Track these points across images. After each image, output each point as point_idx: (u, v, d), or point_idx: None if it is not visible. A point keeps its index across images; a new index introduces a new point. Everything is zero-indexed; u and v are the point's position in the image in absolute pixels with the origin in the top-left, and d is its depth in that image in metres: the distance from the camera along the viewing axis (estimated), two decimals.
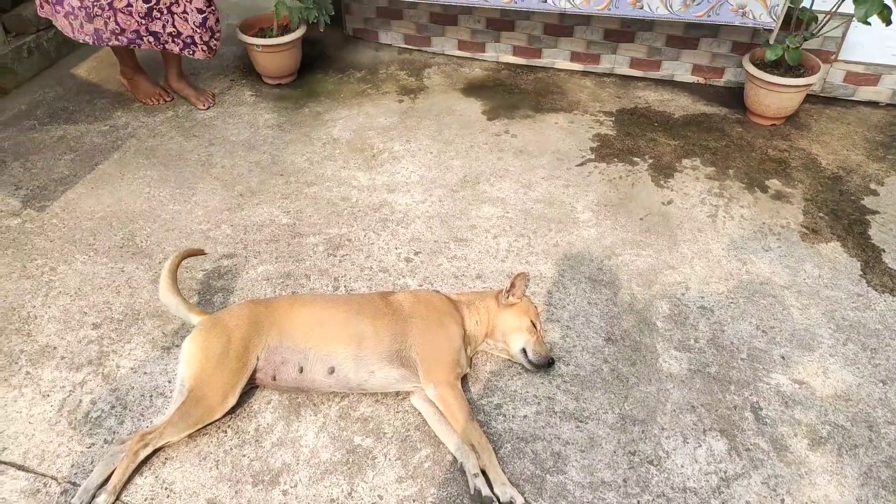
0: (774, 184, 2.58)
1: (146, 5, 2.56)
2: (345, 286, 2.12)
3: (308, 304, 1.79)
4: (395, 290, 2.00)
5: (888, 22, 2.46)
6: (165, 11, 2.62)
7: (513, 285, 1.82)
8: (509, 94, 3.18)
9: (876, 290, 2.12)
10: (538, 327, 1.84)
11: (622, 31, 3.19)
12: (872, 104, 3.02)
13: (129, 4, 2.55)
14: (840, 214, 2.43)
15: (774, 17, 2.63)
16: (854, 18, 2.51)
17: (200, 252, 2.09)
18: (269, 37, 3.12)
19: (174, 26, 2.67)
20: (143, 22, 2.60)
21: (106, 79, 3.25)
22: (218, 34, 2.77)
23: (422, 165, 2.70)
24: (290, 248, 2.27)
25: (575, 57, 3.35)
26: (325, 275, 2.17)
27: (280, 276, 2.16)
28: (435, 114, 3.03)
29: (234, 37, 3.39)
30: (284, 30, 3.17)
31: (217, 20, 2.75)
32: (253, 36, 3.13)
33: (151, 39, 2.67)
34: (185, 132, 2.89)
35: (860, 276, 2.17)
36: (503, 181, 2.62)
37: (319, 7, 3.13)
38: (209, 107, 3.04)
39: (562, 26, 3.26)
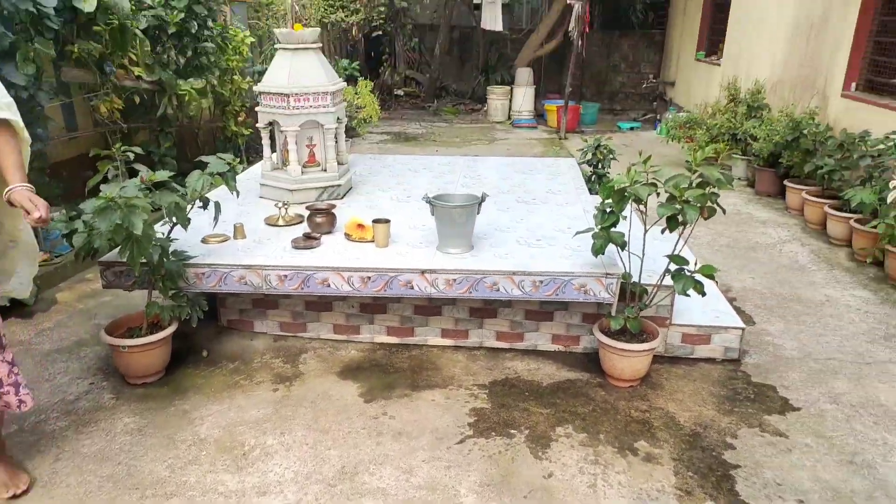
0: (643, 446, 2.68)
1: None
2: None
3: None
4: None
5: (703, 293, 2.88)
6: None
7: None
8: (385, 374, 3.24)
9: None
10: None
11: (485, 308, 3.48)
12: (711, 360, 3.37)
13: None
14: (706, 472, 2.53)
15: (611, 294, 3.00)
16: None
17: None
18: (137, 336, 3.08)
19: None
20: None
21: None
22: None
23: (297, 460, 2.57)
24: None
25: (445, 333, 3.55)
26: None
27: None
28: (311, 401, 2.99)
29: (98, 337, 3.31)
30: (154, 327, 3.15)
31: None
32: (121, 336, 3.07)
33: None
34: (26, 449, 2.61)
35: None
36: (383, 468, 2.53)
37: (193, 304, 3.19)
38: (13, 495, 2.36)
39: (431, 307, 3.51)
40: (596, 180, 4.97)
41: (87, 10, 4.28)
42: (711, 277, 2.90)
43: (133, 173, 3.22)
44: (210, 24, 5.84)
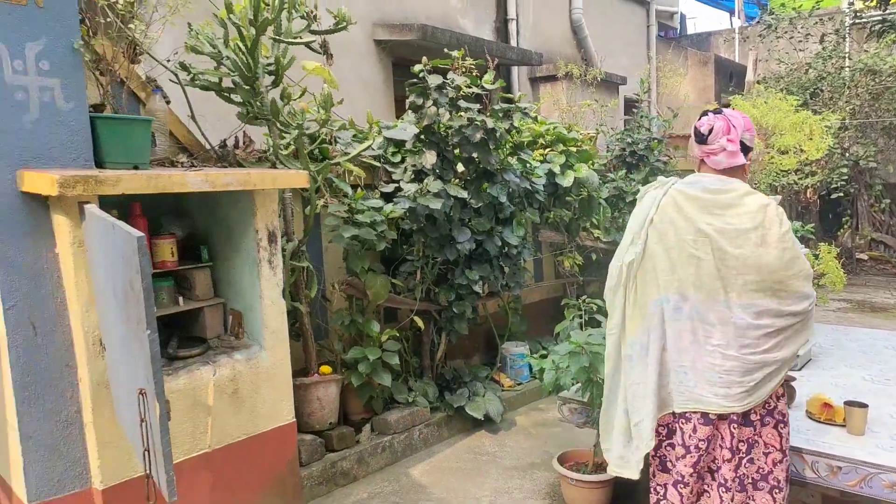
0: None
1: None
2: None
3: None
4: None
5: None
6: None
7: None
8: None
9: None
10: None
11: None
12: None
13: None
14: None
15: None
16: None
17: None
18: (584, 472, 3.29)
19: None
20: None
21: (435, 482, 3.66)
22: None
23: None
24: None
25: None
26: None
27: None
28: None
29: (549, 464, 3.66)
30: (599, 468, 3.33)
31: None
32: (569, 468, 3.33)
33: None
34: None
35: None
36: None
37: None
38: None
39: None
40: None
41: (566, 185, 5.18)
42: None
43: (591, 322, 3.62)
44: None
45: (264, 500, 3.15)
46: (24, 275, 2.43)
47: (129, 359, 2.22)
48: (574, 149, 5.43)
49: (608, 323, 2.59)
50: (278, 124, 3.34)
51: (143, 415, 2.15)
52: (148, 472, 2.23)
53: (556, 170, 5.15)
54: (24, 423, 2.46)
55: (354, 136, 4.20)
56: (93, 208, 2.32)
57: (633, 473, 2.49)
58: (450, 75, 4.16)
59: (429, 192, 3.96)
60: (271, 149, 3.42)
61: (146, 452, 2.19)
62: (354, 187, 3.99)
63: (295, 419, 3.29)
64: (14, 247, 2.40)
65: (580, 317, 3.85)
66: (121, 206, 2.71)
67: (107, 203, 2.50)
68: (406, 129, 4.25)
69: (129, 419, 2.36)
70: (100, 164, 2.57)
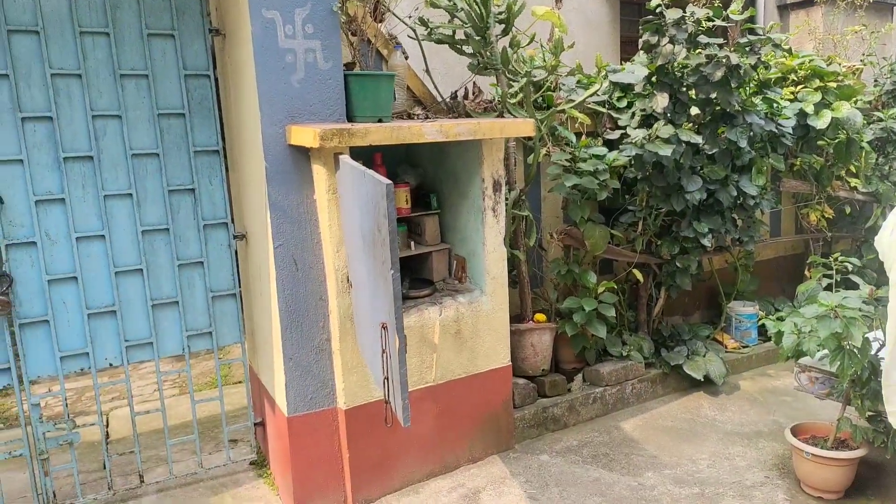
0: None
1: None
2: None
3: None
4: None
5: None
6: None
7: None
8: None
9: None
10: None
11: None
12: None
13: None
14: None
15: None
16: None
17: None
18: (822, 447, 2.98)
19: None
20: None
21: (646, 438, 3.60)
22: None
23: None
24: None
25: None
26: None
27: None
28: None
29: (778, 434, 3.38)
30: (841, 444, 3.00)
31: None
32: (803, 441, 3.04)
33: None
34: None
35: None
36: None
37: (888, 434, 2.88)
38: None
39: None
40: None
41: (820, 127, 4.52)
42: None
43: (844, 283, 3.18)
44: None
45: (480, 434, 3.37)
46: (290, 218, 2.80)
47: (373, 295, 2.47)
48: (833, 84, 4.69)
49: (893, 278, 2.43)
50: (507, 73, 3.37)
51: (385, 346, 2.40)
52: (386, 398, 2.50)
53: (809, 109, 4.52)
54: (287, 346, 2.88)
55: (579, 81, 4.08)
56: (346, 158, 2.58)
57: None
58: (689, 8, 3.81)
59: (658, 137, 3.73)
60: (498, 98, 3.47)
61: (385, 380, 2.45)
62: (577, 135, 3.91)
63: (510, 363, 3.43)
64: (282, 193, 2.77)
65: (829, 277, 3.42)
66: (364, 157, 2.97)
67: (352, 153, 2.76)
68: (634, 71, 4.01)
69: (370, 349, 2.65)
70: (349, 118, 2.83)
